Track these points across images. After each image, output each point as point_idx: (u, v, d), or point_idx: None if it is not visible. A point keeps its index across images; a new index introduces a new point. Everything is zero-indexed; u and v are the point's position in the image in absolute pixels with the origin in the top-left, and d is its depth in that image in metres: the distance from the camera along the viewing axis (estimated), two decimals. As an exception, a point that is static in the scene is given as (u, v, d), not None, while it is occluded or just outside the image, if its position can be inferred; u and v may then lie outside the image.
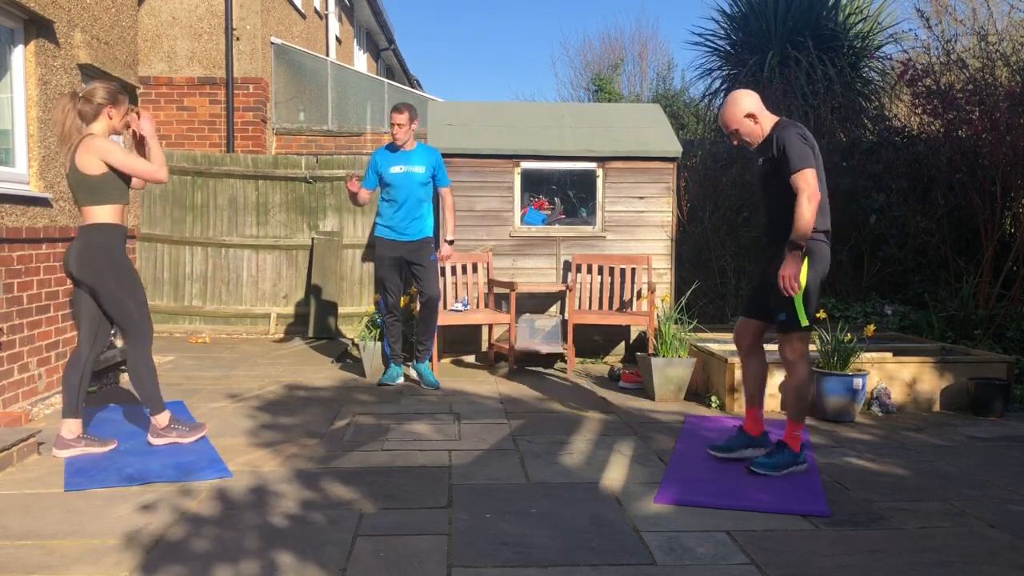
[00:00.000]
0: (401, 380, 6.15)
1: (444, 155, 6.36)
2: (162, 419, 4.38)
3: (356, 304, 8.64)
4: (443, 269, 6.68)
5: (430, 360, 6.13)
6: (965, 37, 11.39)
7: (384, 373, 6.14)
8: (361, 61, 17.54)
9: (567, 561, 2.95)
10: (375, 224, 6.13)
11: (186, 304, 8.63)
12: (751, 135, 4.05)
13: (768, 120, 4.05)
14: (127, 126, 4.33)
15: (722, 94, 11.31)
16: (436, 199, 6.17)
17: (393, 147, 5.98)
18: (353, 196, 5.99)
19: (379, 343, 6.26)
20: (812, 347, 5.60)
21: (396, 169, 5.92)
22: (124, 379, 6.24)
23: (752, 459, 4.09)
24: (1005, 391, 5.37)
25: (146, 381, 4.32)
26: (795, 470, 3.99)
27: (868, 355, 5.50)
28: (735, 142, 4.17)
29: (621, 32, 38.88)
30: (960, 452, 4.50)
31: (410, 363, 6.31)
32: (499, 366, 6.88)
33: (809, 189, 3.79)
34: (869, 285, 8.36)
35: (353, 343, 6.98)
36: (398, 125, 5.88)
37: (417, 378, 6.11)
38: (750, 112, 4.01)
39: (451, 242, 6.10)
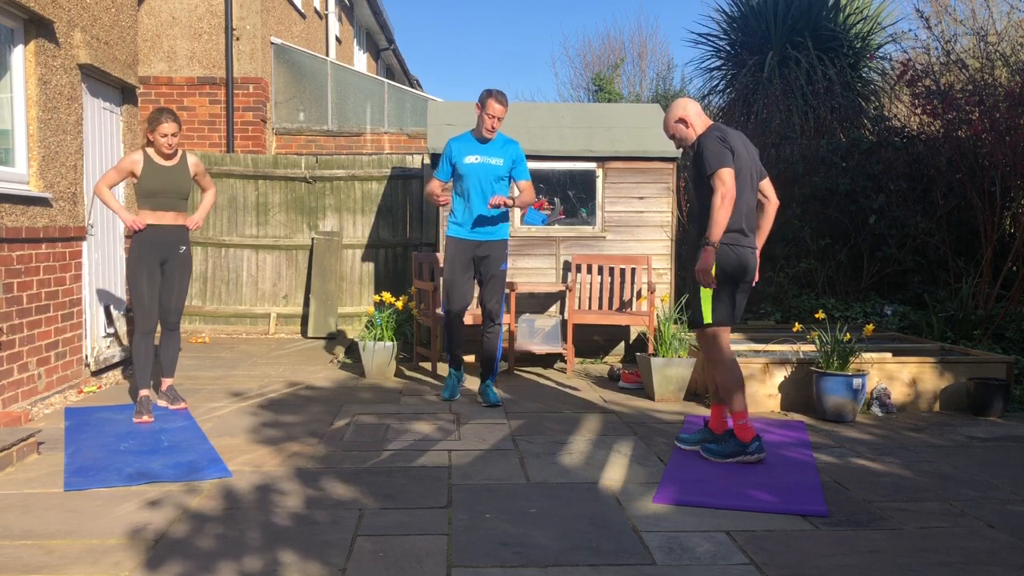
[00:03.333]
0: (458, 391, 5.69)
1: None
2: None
3: (356, 304, 8.64)
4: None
5: (493, 379, 5.61)
6: (965, 37, 11.39)
7: (446, 388, 5.65)
8: (361, 61, 17.54)
9: (567, 561, 2.95)
10: (448, 223, 5.54)
11: (186, 304, 8.61)
12: (685, 139, 4.27)
13: (701, 126, 4.24)
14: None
15: (722, 95, 11.31)
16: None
17: (470, 136, 5.40)
18: (432, 197, 5.42)
19: (379, 343, 6.24)
20: (811, 347, 5.63)
21: (471, 159, 5.31)
22: (113, 379, 6.24)
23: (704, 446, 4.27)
24: (1004, 391, 5.37)
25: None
26: (744, 459, 4.11)
27: (868, 355, 5.50)
28: (677, 146, 4.44)
29: (621, 32, 38.88)
30: (960, 452, 4.51)
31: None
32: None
33: (723, 188, 3.95)
34: (869, 285, 8.37)
35: (353, 343, 6.98)
36: (498, 119, 5.23)
37: (480, 400, 5.52)
38: (681, 117, 4.23)
39: (512, 199, 5.30)
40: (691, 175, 4.31)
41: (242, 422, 4.94)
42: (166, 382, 5.28)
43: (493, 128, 5.28)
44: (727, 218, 3.96)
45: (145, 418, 4.89)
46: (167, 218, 5.02)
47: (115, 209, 4.97)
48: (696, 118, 4.22)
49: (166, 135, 4.92)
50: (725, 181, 3.94)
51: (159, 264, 5.03)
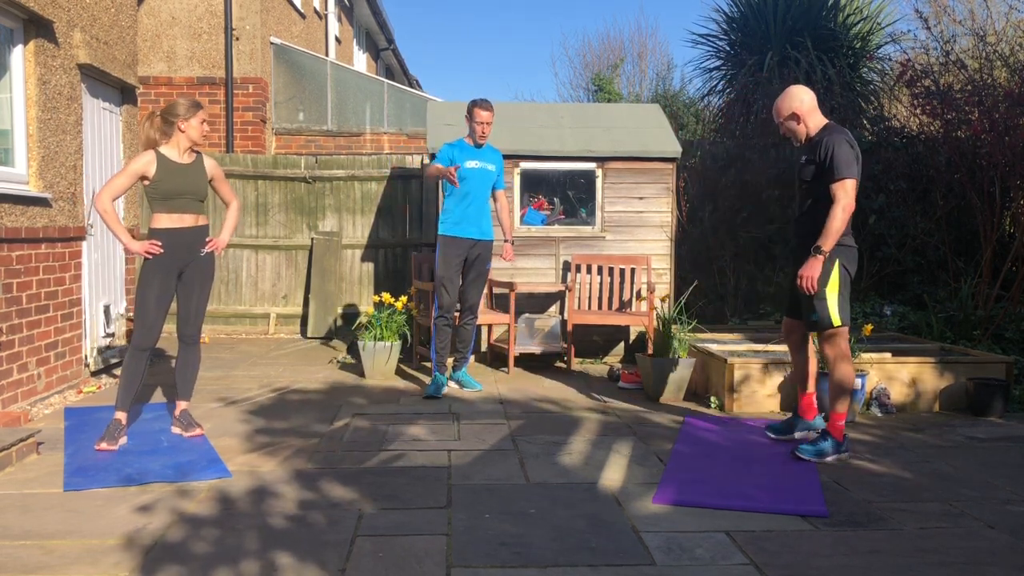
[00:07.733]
0: (447, 388, 5.88)
1: None
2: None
3: (355, 304, 8.64)
4: None
5: (467, 363, 6.17)
6: (964, 38, 11.40)
7: (429, 385, 5.81)
8: (361, 61, 17.54)
9: (566, 561, 2.95)
10: (440, 222, 5.91)
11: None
12: (793, 132, 4.27)
13: (815, 122, 4.22)
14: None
15: (721, 95, 11.31)
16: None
17: (464, 142, 5.85)
18: (439, 174, 5.67)
19: (378, 343, 6.25)
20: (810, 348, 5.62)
21: (472, 164, 5.79)
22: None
23: (798, 443, 4.36)
24: (1004, 392, 5.37)
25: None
26: (840, 457, 4.22)
27: (867, 355, 5.51)
28: (782, 132, 4.37)
29: (620, 32, 38.86)
30: (959, 453, 4.51)
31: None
32: (498, 366, 6.88)
33: (846, 199, 3.97)
34: (868, 285, 8.37)
35: (353, 343, 6.98)
36: (487, 124, 5.75)
37: (457, 386, 5.98)
38: (795, 111, 4.21)
39: (512, 242, 6.09)
40: (801, 171, 4.21)
41: (241, 423, 4.94)
42: (181, 405, 4.66)
43: (484, 133, 5.78)
44: (844, 227, 4.01)
45: (104, 444, 4.27)
46: (187, 220, 4.44)
47: (118, 233, 4.30)
48: (812, 114, 4.21)
49: (204, 120, 4.47)
50: (848, 192, 3.98)
51: (177, 274, 4.45)
